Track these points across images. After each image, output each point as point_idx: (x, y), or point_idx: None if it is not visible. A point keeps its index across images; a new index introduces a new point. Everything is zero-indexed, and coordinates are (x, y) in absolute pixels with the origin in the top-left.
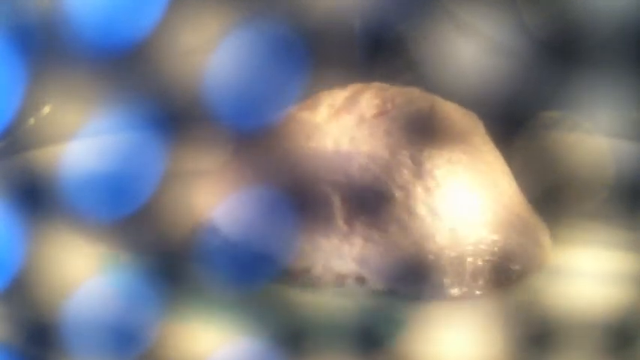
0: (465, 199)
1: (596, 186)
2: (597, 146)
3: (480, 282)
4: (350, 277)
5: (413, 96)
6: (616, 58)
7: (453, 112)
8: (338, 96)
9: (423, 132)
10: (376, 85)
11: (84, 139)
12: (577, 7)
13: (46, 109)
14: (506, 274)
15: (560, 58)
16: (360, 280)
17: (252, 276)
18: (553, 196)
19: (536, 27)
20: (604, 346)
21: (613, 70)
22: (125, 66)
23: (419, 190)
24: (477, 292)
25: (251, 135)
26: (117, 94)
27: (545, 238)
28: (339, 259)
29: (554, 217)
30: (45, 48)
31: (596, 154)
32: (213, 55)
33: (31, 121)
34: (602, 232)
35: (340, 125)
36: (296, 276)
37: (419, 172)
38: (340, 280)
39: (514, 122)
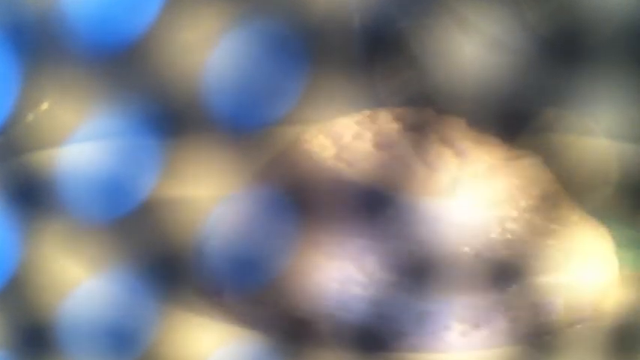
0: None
1: (597, 186)
2: (599, 145)
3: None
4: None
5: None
6: (619, 57)
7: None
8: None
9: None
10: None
11: (81, 139)
12: (579, 4)
13: (44, 107)
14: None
15: (562, 55)
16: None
17: (249, 278)
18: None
19: (539, 24)
20: (605, 346)
21: (616, 69)
22: (122, 64)
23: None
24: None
25: (250, 135)
26: (114, 92)
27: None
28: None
29: None
30: (42, 46)
31: (598, 154)
32: (212, 53)
33: (29, 118)
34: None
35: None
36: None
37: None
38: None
39: (515, 120)
